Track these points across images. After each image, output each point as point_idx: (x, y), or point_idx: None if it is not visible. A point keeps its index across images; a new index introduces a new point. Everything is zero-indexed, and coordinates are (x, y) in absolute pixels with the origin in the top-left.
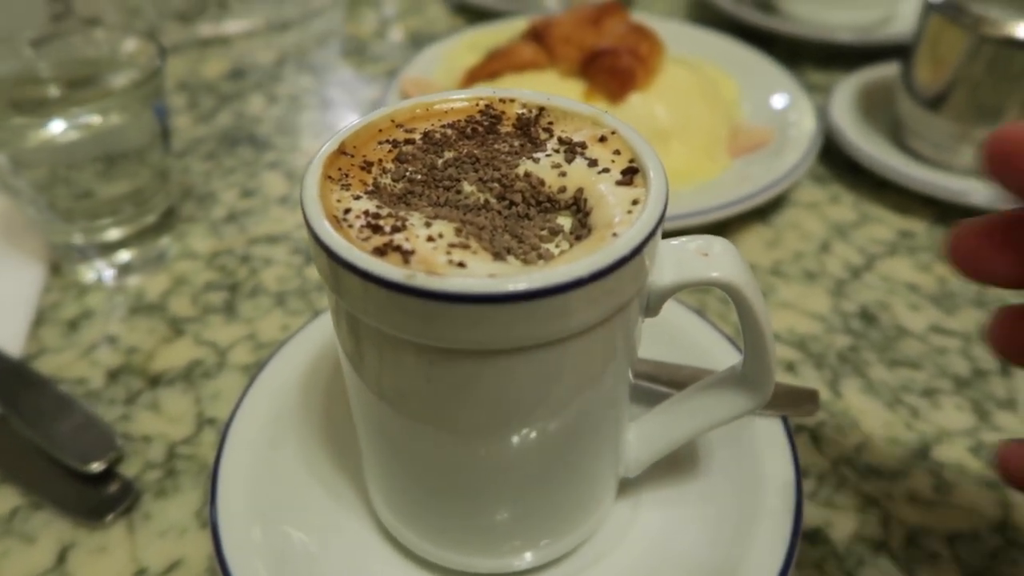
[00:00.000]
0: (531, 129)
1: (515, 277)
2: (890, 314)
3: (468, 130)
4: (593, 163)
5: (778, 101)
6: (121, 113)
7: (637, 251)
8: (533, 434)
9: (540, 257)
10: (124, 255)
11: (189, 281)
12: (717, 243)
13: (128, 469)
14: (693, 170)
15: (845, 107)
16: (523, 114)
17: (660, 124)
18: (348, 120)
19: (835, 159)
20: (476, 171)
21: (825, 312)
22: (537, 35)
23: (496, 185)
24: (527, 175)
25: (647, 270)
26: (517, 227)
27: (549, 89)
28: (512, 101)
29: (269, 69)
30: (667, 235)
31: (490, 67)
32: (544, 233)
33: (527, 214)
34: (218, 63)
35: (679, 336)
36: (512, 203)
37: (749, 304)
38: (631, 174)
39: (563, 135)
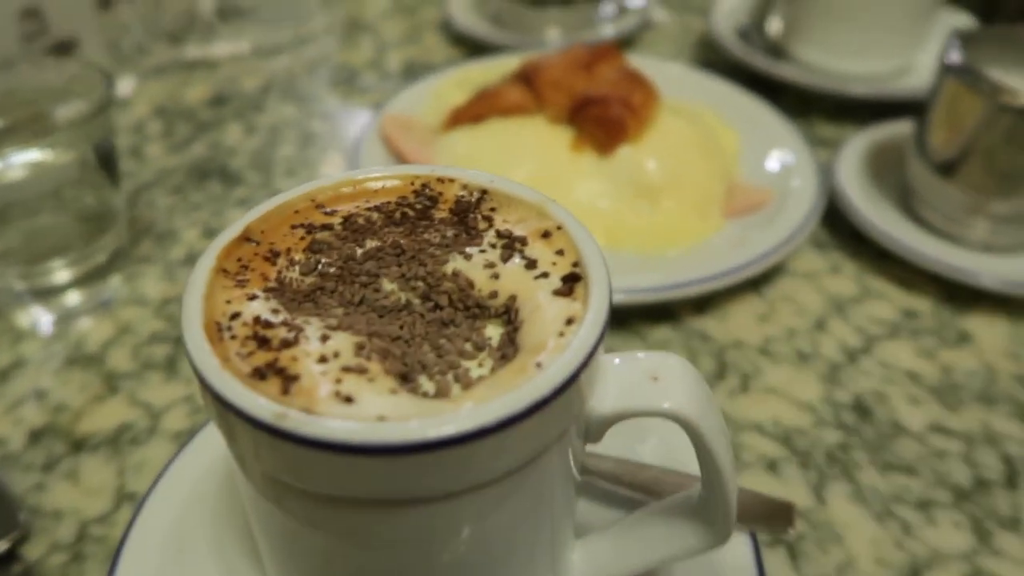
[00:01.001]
0: (469, 216)
1: (405, 424)
2: (887, 407)
3: (397, 214)
4: (532, 264)
5: (781, 157)
6: (65, 150)
7: (563, 388)
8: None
9: (457, 380)
10: (72, 297)
11: (133, 330)
12: (669, 365)
13: (32, 550)
14: (683, 230)
15: (853, 167)
16: (462, 197)
17: (650, 179)
18: (326, 158)
19: (839, 223)
20: (400, 265)
21: (815, 401)
22: (526, 77)
23: (420, 284)
24: (456, 274)
25: (580, 402)
26: (439, 336)
27: (536, 136)
28: (452, 181)
29: (253, 96)
30: (646, 309)
31: (475, 109)
32: (467, 347)
33: (453, 319)
34: (201, 87)
35: (642, 422)
36: (437, 305)
37: (706, 442)
38: (572, 282)
39: (503, 226)
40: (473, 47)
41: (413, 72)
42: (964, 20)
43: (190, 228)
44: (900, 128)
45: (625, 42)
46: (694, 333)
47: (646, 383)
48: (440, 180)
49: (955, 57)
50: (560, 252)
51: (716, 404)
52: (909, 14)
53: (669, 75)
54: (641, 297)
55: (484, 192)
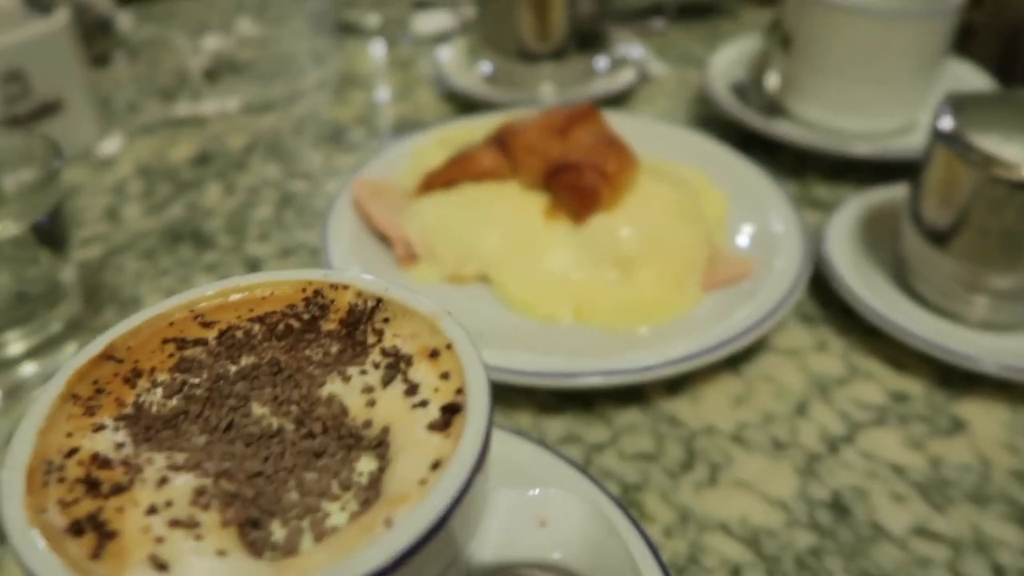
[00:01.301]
0: (359, 328)
1: None
2: (867, 506)
3: (282, 326)
4: (412, 390)
5: (768, 223)
6: (11, 223)
7: (409, 552)
8: None
9: (312, 527)
10: (27, 369)
11: None
12: (562, 507)
13: None
14: (658, 305)
15: (845, 234)
16: (356, 306)
17: (625, 249)
18: (301, 221)
19: (828, 294)
20: (275, 386)
21: (789, 498)
22: (501, 141)
23: (294, 408)
24: (331, 399)
25: (444, 556)
26: (307, 469)
27: (509, 202)
28: (346, 288)
29: (237, 155)
30: (613, 390)
31: (447, 174)
32: (335, 485)
33: (326, 449)
34: (187, 145)
35: None
36: (311, 433)
37: None
38: (451, 414)
39: (392, 342)
40: (465, 104)
41: (403, 129)
42: (979, 79)
43: (154, 295)
44: (898, 191)
45: (620, 97)
46: (663, 417)
47: (533, 528)
48: (334, 287)
49: (946, 124)
50: (445, 376)
51: (622, 549)
52: (912, 70)
53: (658, 133)
54: (607, 381)
55: (379, 301)
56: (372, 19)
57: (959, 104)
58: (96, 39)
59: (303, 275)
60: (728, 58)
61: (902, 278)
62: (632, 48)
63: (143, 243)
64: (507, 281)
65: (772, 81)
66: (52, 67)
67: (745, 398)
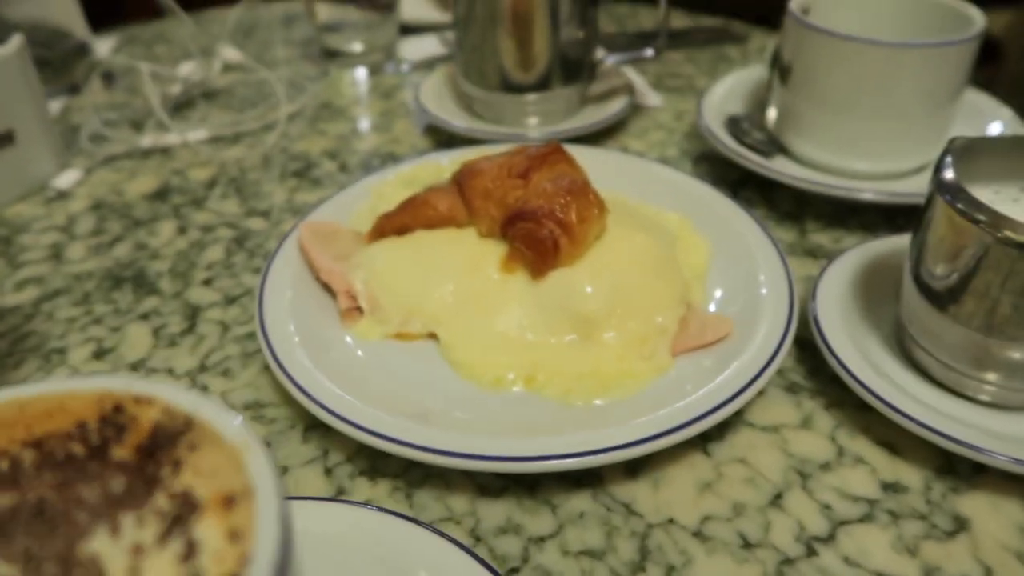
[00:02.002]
0: (154, 458)
1: None
2: None
3: (61, 453)
4: (189, 553)
5: (755, 277)
6: None
7: None
8: None
9: None
10: None
11: None
12: None
13: None
14: (620, 374)
15: (840, 290)
16: (160, 428)
17: (586, 309)
18: (251, 264)
19: (817, 359)
20: (30, 537)
21: None
22: (459, 184)
23: (49, 567)
24: (91, 561)
25: None
26: None
27: (464, 252)
28: (151, 403)
29: (196, 190)
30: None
31: (399, 219)
32: None
33: None
34: (147, 179)
35: None
36: None
37: None
38: None
39: (187, 481)
40: (446, 137)
41: (376, 164)
42: (1002, 111)
43: (82, 346)
44: (903, 243)
45: (609, 130)
46: (618, 505)
47: None
48: (138, 401)
49: (949, 174)
50: (235, 536)
51: None
52: (925, 105)
53: (640, 172)
54: (554, 467)
55: (188, 422)
56: (357, 45)
57: (965, 150)
58: (71, 65)
59: (103, 384)
60: (729, 88)
61: (902, 345)
62: (625, 78)
63: (81, 287)
64: (454, 342)
65: (771, 115)
66: (2, 97)
67: (713, 484)
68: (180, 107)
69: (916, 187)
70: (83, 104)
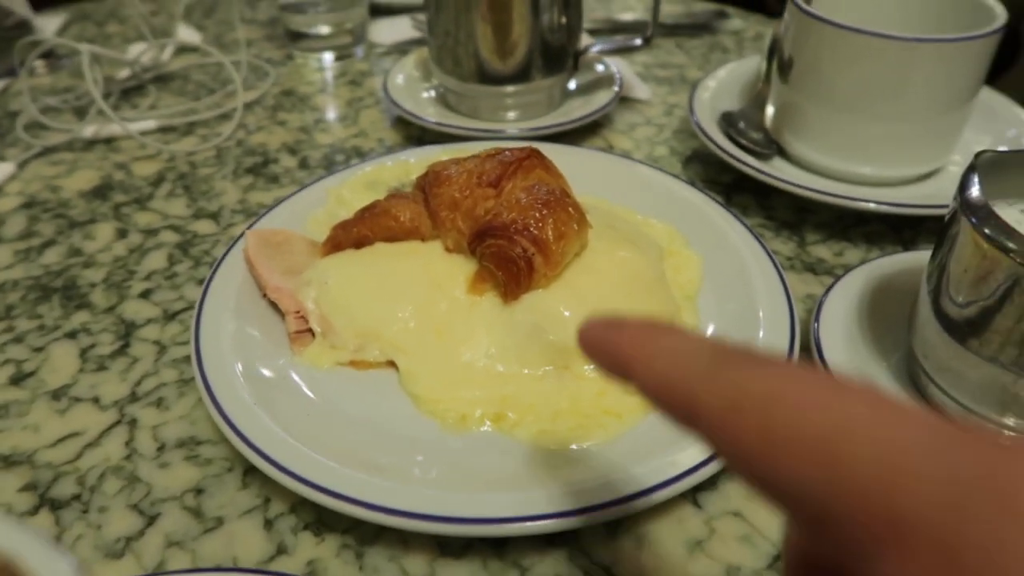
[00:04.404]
0: None
1: None
2: None
3: None
4: None
5: (752, 298)
6: None
7: None
8: None
9: None
10: None
11: None
12: None
13: None
14: (601, 413)
15: (845, 315)
16: None
17: (563, 338)
18: (197, 274)
19: None
20: None
21: None
22: (424, 191)
23: None
24: None
25: None
26: None
27: (428, 269)
28: None
29: (140, 187)
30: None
31: (356, 230)
32: None
33: None
34: (87, 174)
35: None
36: None
37: None
38: None
39: None
40: (417, 130)
41: (340, 160)
42: (1019, 113)
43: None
44: (917, 260)
45: (594, 126)
46: (596, 568)
47: None
48: None
49: (975, 193)
50: None
51: None
52: (939, 106)
53: (627, 176)
54: (527, 528)
55: (6, 569)
56: (323, 27)
57: (992, 165)
58: (8, 46)
59: None
60: (723, 81)
61: (915, 381)
62: (611, 68)
63: (3, 299)
64: (415, 372)
65: (769, 113)
66: None
67: (704, 543)
68: (129, 93)
69: (925, 196)
70: (20, 89)
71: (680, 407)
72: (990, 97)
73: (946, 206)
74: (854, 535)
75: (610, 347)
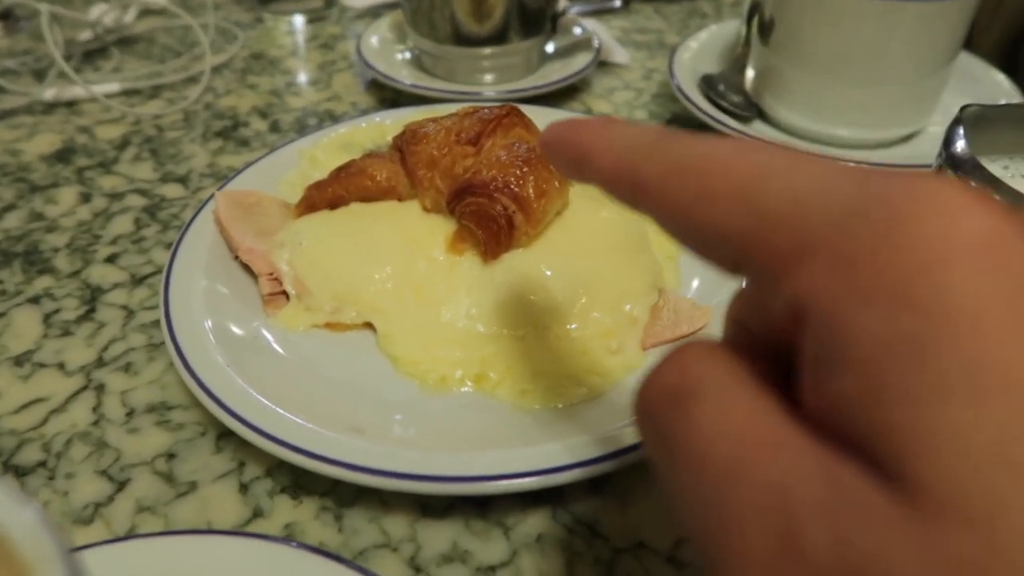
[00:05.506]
0: None
1: None
2: None
3: None
4: None
5: None
6: None
7: None
8: None
9: None
10: None
11: None
12: None
13: None
14: (584, 372)
15: None
16: None
17: (544, 296)
18: (165, 238)
19: None
20: None
21: None
22: (400, 151)
23: None
24: None
25: None
26: None
27: (406, 229)
28: None
29: (105, 151)
30: None
31: (331, 190)
32: None
33: None
34: (48, 137)
35: None
36: None
37: None
38: None
39: None
40: (391, 93)
41: (312, 123)
42: (992, 75)
43: None
44: None
45: (572, 89)
46: (580, 526)
47: None
48: None
49: (961, 146)
50: None
51: None
52: (922, 67)
53: None
54: (510, 486)
55: None
56: None
57: (977, 119)
58: None
59: None
60: (703, 44)
61: None
62: (590, 31)
63: None
64: (393, 333)
65: (749, 76)
66: None
67: None
68: (91, 55)
69: (905, 157)
70: None
71: (628, 181)
72: (968, 60)
73: (929, 165)
74: (768, 266)
75: (570, 142)
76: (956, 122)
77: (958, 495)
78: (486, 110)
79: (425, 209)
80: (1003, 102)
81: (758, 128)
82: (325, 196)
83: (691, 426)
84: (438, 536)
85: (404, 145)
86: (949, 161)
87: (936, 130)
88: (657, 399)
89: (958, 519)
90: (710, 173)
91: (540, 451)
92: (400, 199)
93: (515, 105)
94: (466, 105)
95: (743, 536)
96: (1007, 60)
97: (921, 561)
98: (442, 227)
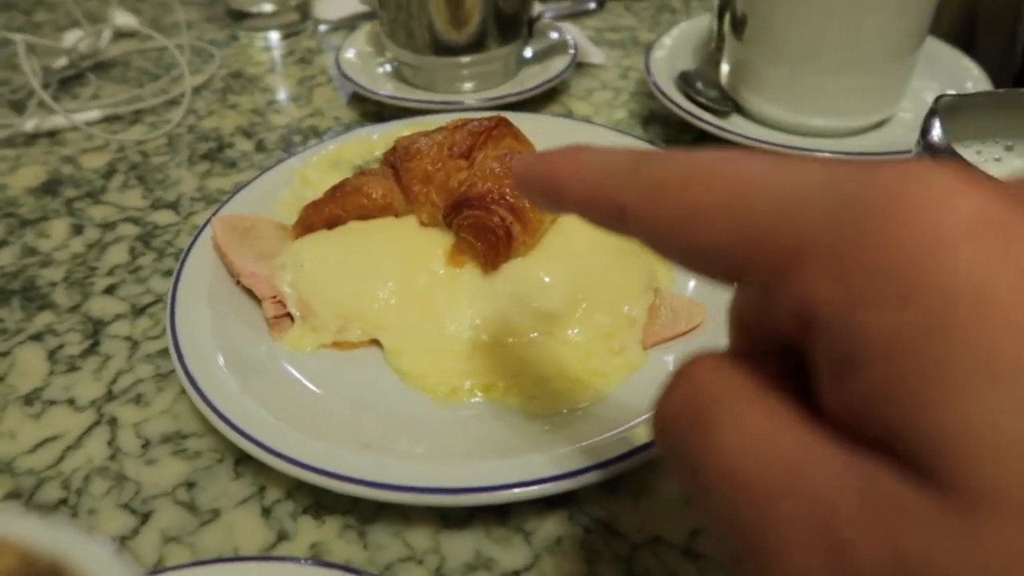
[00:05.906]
0: None
1: None
2: None
3: None
4: None
5: None
6: None
7: None
8: None
9: None
10: None
11: None
12: None
13: None
14: (589, 375)
15: None
16: None
17: (545, 304)
18: (162, 266)
19: None
20: None
21: None
22: (394, 166)
23: None
24: None
25: None
26: None
27: (405, 245)
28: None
29: (92, 180)
30: None
31: (328, 210)
32: None
33: None
34: (33, 170)
35: None
36: None
37: None
38: None
39: None
40: (373, 106)
41: (298, 140)
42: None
43: None
44: None
45: (551, 93)
46: (597, 525)
47: None
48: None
49: (937, 135)
50: None
51: None
52: (891, 54)
53: (592, 139)
54: (529, 493)
55: (54, 570)
56: (266, 4)
57: (950, 108)
58: None
59: None
60: (676, 41)
61: None
62: (565, 34)
63: None
64: (400, 348)
65: (724, 71)
66: None
67: None
68: (68, 83)
69: (880, 144)
70: None
71: (608, 208)
72: (932, 45)
73: (906, 151)
74: (764, 276)
75: (541, 176)
76: (932, 113)
77: (996, 488)
78: (475, 122)
79: (422, 224)
80: (970, 86)
81: (736, 122)
82: (322, 216)
83: (711, 444)
84: (461, 546)
85: (398, 162)
86: (927, 149)
87: (906, 116)
88: (673, 420)
89: (1000, 512)
90: (691, 189)
91: (554, 457)
92: (397, 215)
93: (503, 116)
94: (455, 118)
95: (790, 559)
96: (963, 37)
97: (973, 558)
98: (440, 241)
